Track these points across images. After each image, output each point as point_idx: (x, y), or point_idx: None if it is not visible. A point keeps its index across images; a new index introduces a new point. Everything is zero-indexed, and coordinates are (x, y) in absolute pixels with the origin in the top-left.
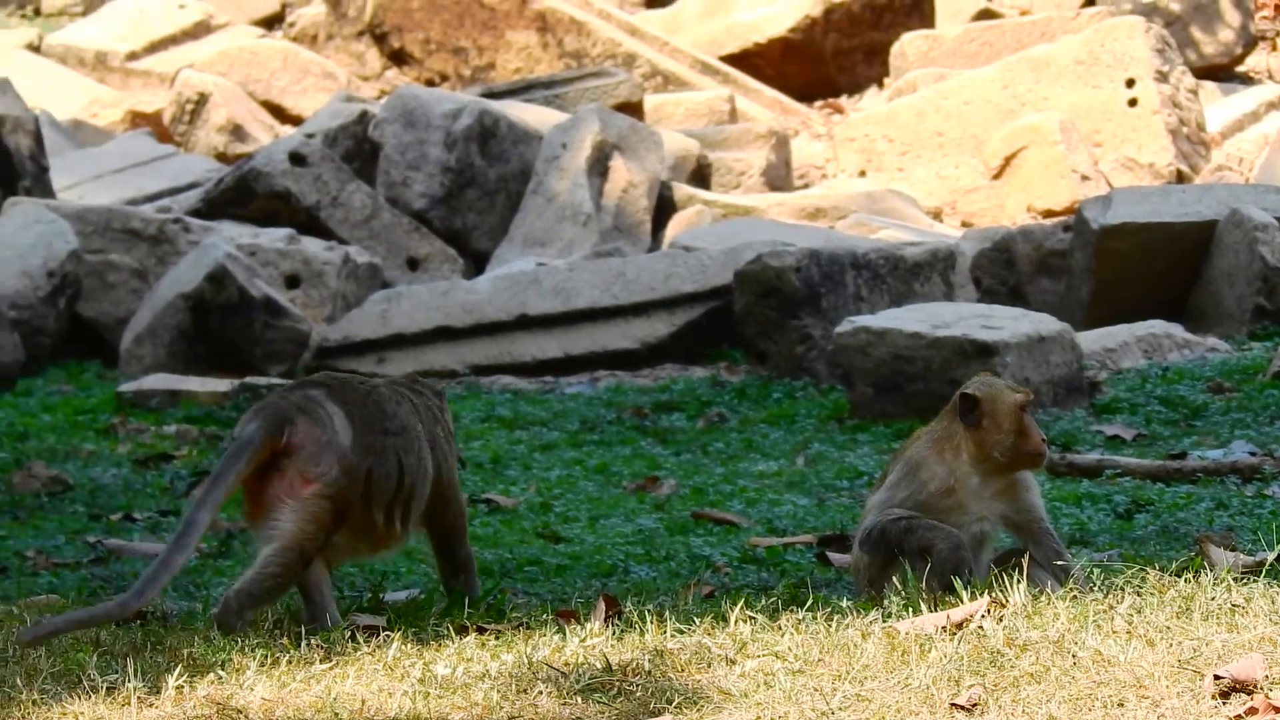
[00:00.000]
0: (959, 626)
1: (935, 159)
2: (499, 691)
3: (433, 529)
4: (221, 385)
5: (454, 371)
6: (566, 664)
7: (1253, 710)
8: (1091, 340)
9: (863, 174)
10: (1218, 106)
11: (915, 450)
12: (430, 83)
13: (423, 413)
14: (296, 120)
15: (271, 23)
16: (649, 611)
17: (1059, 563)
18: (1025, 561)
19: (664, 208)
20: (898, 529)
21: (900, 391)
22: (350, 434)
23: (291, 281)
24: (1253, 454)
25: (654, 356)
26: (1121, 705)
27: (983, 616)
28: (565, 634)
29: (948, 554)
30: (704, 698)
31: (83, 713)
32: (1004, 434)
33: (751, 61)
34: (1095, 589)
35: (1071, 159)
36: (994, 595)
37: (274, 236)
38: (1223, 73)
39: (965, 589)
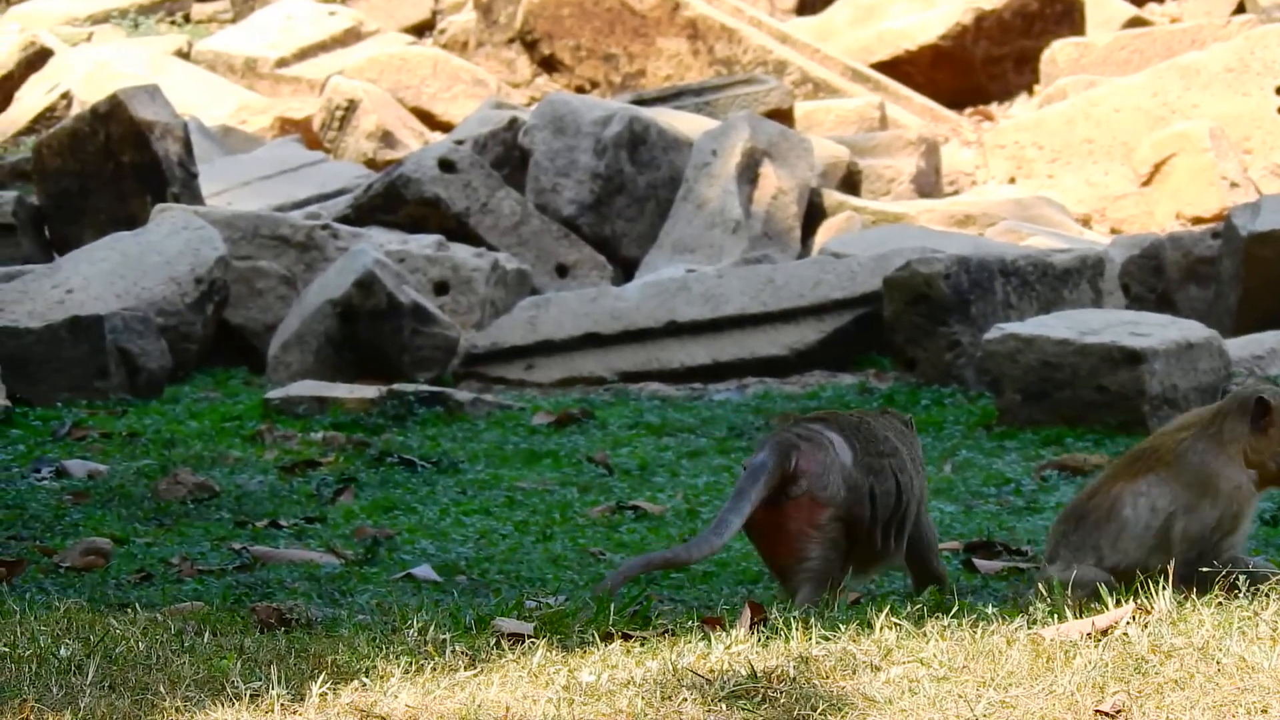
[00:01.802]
0: (1104, 633)
1: (1084, 166)
2: (643, 698)
3: (909, 545)
4: (369, 392)
5: (602, 378)
6: (711, 671)
7: None
8: (1239, 347)
9: (1012, 181)
10: None
11: (1196, 460)
12: (580, 90)
13: (902, 437)
14: (446, 127)
15: (422, 30)
16: (794, 618)
17: None
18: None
19: (813, 214)
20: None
21: (1048, 398)
22: (851, 455)
23: (440, 288)
24: None
25: (802, 363)
26: (1265, 712)
27: (1127, 623)
28: (710, 641)
29: None
30: (849, 704)
31: (226, 719)
32: (1277, 453)
33: (902, 69)
34: (1241, 595)
35: (1221, 166)
36: (1139, 602)
37: (422, 243)
38: None
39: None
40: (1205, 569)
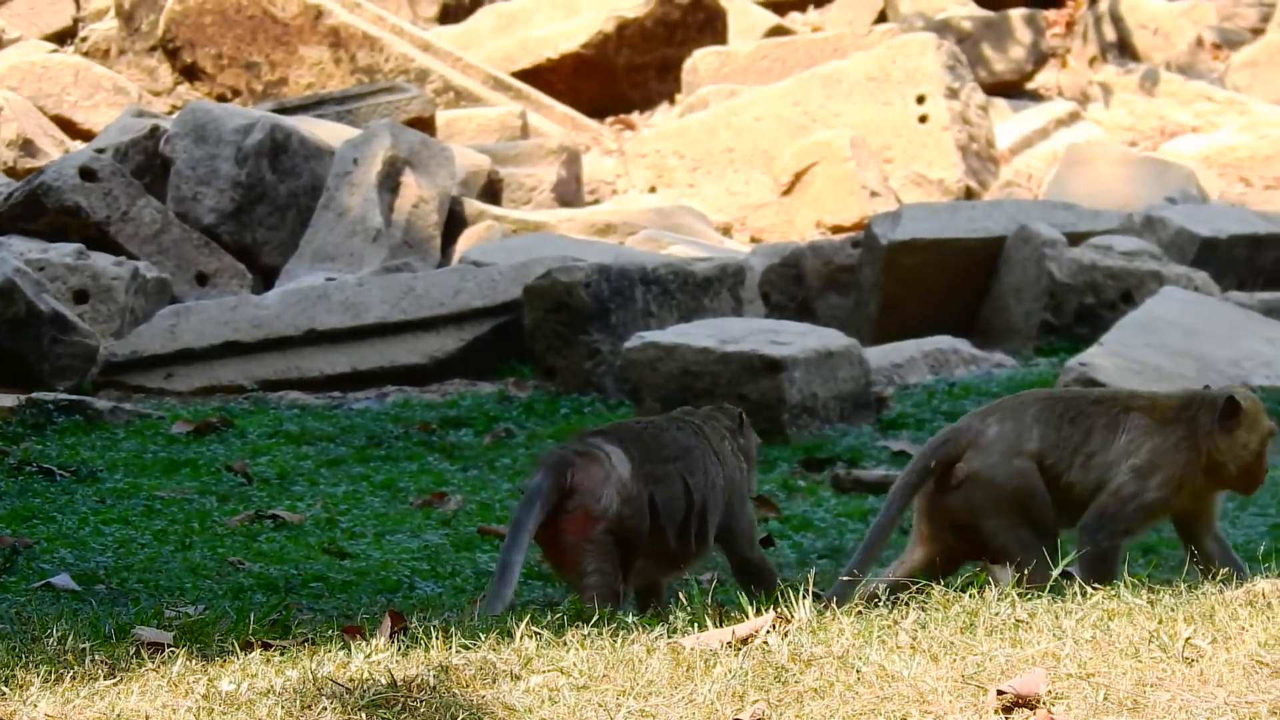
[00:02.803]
0: (744, 642)
1: (726, 175)
2: (283, 707)
3: (723, 536)
4: (7, 400)
5: (242, 387)
6: (351, 680)
7: None
8: (879, 356)
9: (653, 190)
10: (1008, 123)
11: (1163, 441)
12: (222, 98)
13: (710, 434)
14: (88, 135)
15: (64, 37)
16: (434, 627)
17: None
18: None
19: (455, 223)
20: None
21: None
22: (629, 466)
23: (80, 296)
24: None
25: (442, 372)
26: None
27: (768, 632)
28: (350, 650)
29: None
30: (488, 713)
31: None
32: (1247, 451)
33: (544, 77)
34: (881, 604)
35: (861, 175)
36: (779, 610)
37: (63, 251)
38: (1013, 89)
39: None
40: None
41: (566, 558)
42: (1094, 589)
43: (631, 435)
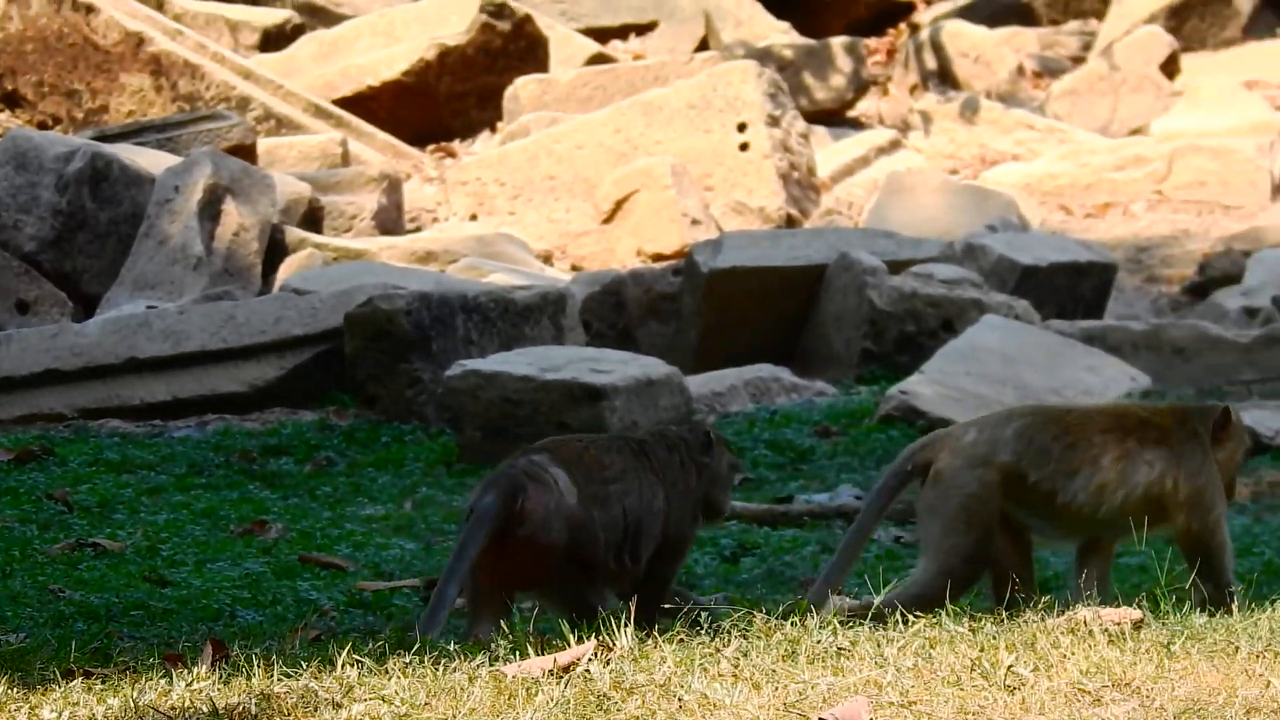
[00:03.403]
0: (566, 670)
1: (547, 203)
2: None
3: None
4: None
5: (62, 415)
6: (173, 708)
7: None
8: (700, 384)
9: (474, 218)
10: (829, 151)
11: (1206, 465)
12: (43, 125)
13: (653, 454)
14: None
15: None
16: (256, 655)
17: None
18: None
19: (276, 251)
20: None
21: (509, 435)
22: (575, 492)
23: None
24: (858, 498)
25: (263, 400)
26: None
27: (590, 660)
28: (172, 678)
29: None
30: None
31: None
32: (1234, 463)
33: (366, 105)
34: (703, 632)
35: (682, 203)
36: (601, 638)
37: None
38: (834, 117)
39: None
40: None
41: (518, 580)
42: (916, 617)
43: (574, 457)
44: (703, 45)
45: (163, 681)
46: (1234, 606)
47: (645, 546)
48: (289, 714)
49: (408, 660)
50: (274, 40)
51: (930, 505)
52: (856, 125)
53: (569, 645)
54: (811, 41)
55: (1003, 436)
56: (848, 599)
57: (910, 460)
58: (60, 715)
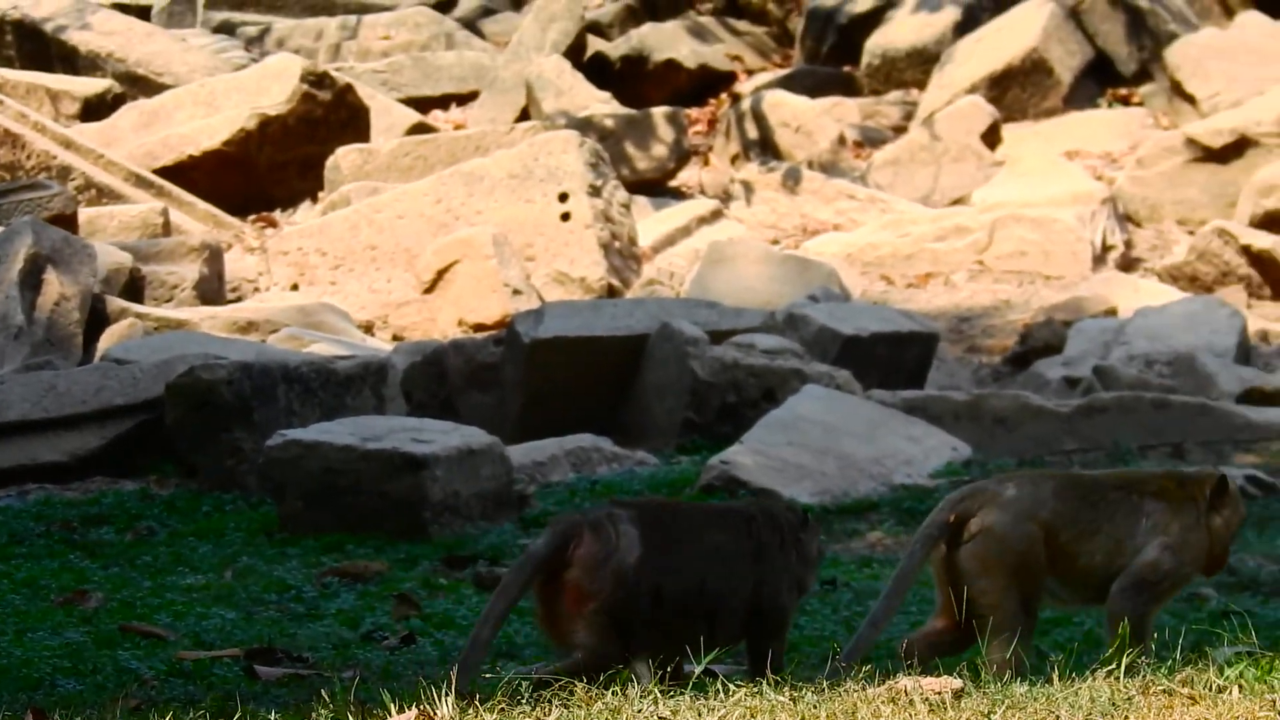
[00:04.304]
0: None
1: (368, 272)
2: None
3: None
4: None
5: None
6: None
7: None
8: (521, 454)
9: (295, 287)
10: (650, 220)
11: (1186, 519)
12: None
13: (758, 536)
14: None
15: None
16: None
17: None
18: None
19: (97, 320)
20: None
21: (331, 505)
22: (639, 551)
23: None
24: None
25: (85, 469)
26: None
27: None
28: None
29: None
30: None
31: None
32: (1229, 532)
33: (187, 174)
34: (524, 701)
35: (504, 273)
36: (422, 707)
37: None
38: (656, 187)
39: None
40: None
41: (559, 624)
42: (754, 684)
43: (659, 521)
44: (524, 115)
45: None
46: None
47: (726, 620)
48: None
49: None
50: (95, 109)
51: (984, 561)
52: (678, 195)
53: (390, 714)
54: (633, 111)
55: (1042, 494)
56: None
57: (952, 511)
58: None
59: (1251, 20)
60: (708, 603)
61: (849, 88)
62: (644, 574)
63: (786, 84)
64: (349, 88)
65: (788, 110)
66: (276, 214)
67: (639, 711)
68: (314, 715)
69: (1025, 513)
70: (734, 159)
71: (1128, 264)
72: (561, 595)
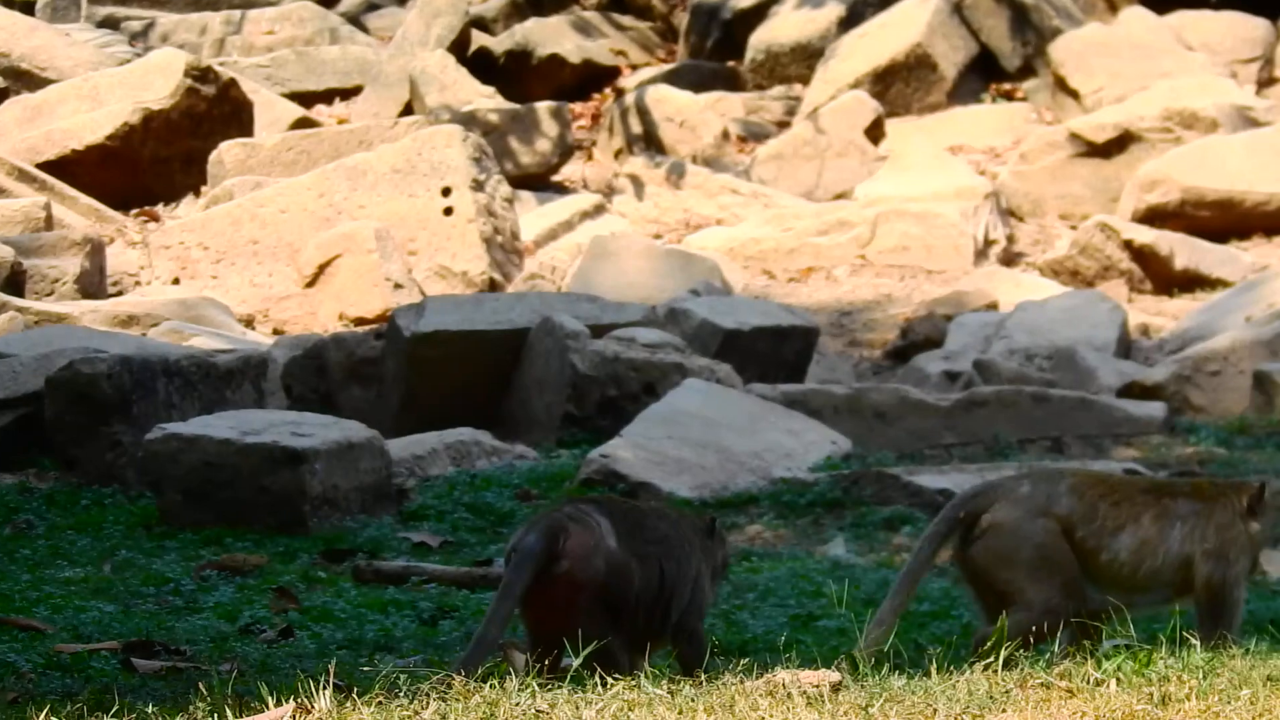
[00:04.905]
0: None
1: (250, 266)
2: None
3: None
4: None
5: None
6: None
7: None
8: (401, 448)
9: (176, 281)
10: (533, 215)
11: (1221, 519)
12: None
13: (685, 528)
14: None
15: None
16: None
17: None
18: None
19: None
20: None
21: (210, 498)
22: (615, 537)
23: None
24: None
25: None
26: None
27: None
28: None
29: None
30: None
31: None
32: (1263, 539)
33: (69, 169)
34: (402, 695)
35: (385, 267)
36: (300, 701)
37: None
38: (539, 182)
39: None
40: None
41: (552, 621)
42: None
43: (618, 511)
44: (407, 110)
45: None
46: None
47: (675, 611)
48: None
49: None
50: None
51: (999, 555)
52: (561, 190)
53: (267, 708)
54: (516, 106)
55: (1057, 490)
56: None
57: (962, 508)
58: None
59: (1135, 16)
60: (665, 591)
61: (733, 83)
62: (627, 557)
63: (671, 79)
64: (233, 82)
65: (672, 105)
66: (159, 208)
67: (516, 705)
68: (192, 709)
69: (1038, 508)
70: (618, 154)
71: (1010, 258)
72: (553, 589)
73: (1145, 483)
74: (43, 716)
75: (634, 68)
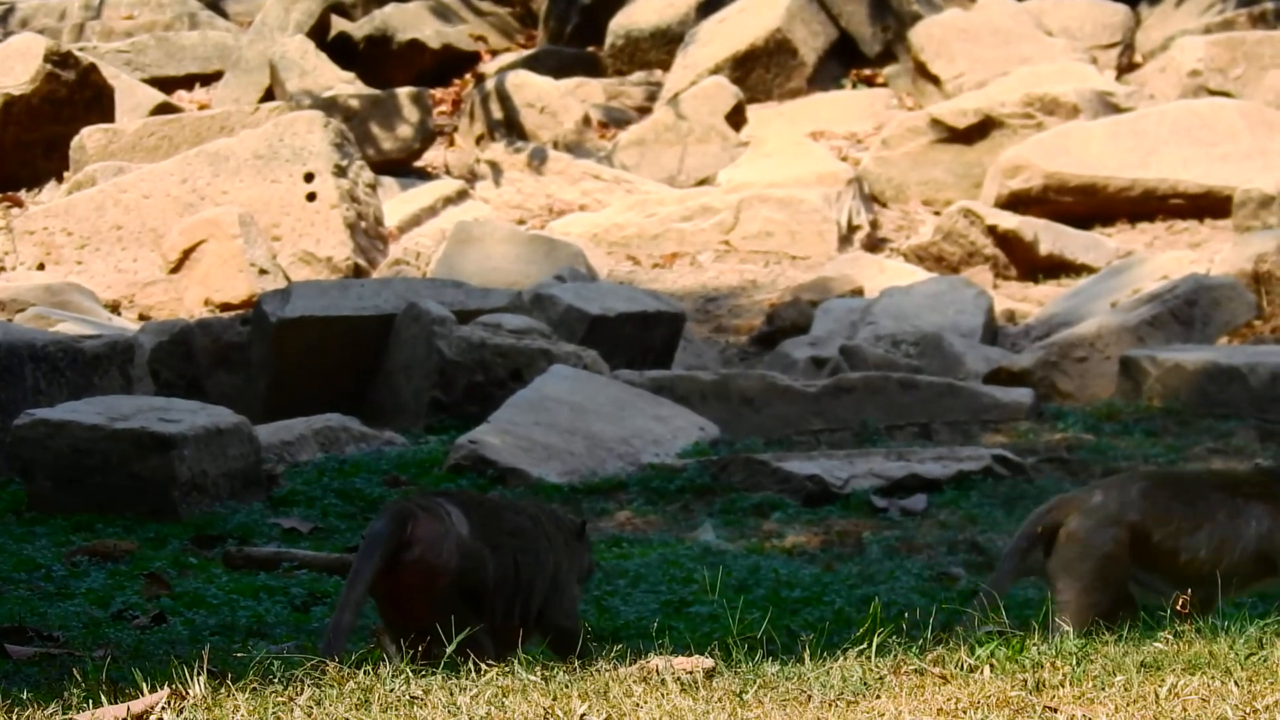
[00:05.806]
0: (139, 718)
1: (114, 252)
2: None
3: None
4: None
5: None
6: None
7: None
8: (270, 433)
9: (41, 267)
10: (396, 201)
11: None
12: None
13: (545, 523)
14: None
15: None
16: None
17: None
18: None
19: None
20: None
21: (80, 484)
22: (468, 526)
23: None
24: None
25: None
26: None
27: (163, 708)
28: None
29: None
30: None
31: None
32: None
33: None
34: (276, 680)
35: (250, 253)
36: (174, 687)
37: None
38: (401, 168)
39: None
40: None
41: (406, 608)
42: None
43: (472, 502)
44: (268, 95)
45: None
46: None
47: (535, 604)
48: None
49: None
50: None
51: (1065, 564)
52: (424, 175)
53: (141, 694)
54: (377, 92)
55: (1129, 497)
56: None
57: (1040, 522)
58: None
59: (995, 1)
60: (523, 583)
61: (593, 68)
62: (479, 545)
63: (531, 64)
64: (93, 67)
65: (532, 91)
66: (22, 194)
67: (391, 690)
68: (66, 694)
69: (1111, 517)
70: (479, 139)
71: (874, 244)
72: (404, 576)
73: (1213, 478)
74: None
75: (494, 53)
